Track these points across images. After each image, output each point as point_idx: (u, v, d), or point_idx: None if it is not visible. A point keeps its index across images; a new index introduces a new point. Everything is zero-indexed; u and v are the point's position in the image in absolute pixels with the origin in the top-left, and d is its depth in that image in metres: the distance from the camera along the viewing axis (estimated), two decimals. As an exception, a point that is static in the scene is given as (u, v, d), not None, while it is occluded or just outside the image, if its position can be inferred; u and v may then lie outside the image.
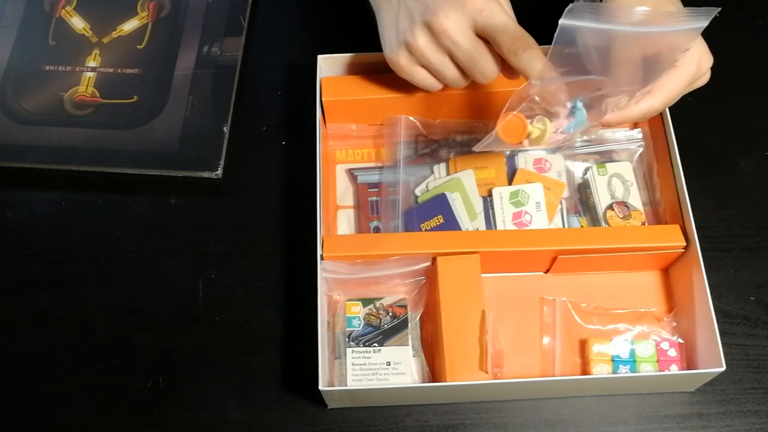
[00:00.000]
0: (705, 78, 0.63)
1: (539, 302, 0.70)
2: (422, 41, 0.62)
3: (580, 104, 0.59)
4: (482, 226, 0.71)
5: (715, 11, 0.55)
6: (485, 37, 0.61)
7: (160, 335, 0.70)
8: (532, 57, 0.59)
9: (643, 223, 0.71)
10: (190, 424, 0.67)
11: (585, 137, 0.74)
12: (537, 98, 0.59)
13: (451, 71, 0.64)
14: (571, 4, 0.55)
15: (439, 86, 0.66)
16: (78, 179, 0.76)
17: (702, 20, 0.56)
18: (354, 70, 0.73)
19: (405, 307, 0.68)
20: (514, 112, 0.59)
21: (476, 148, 0.62)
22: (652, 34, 0.57)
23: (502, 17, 0.60)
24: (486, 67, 0.62)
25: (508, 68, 0.62)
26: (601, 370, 0.66)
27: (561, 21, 0.54)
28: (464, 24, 0.61)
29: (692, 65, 0.61)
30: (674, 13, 0.58)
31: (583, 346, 0.68)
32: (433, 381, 0.66)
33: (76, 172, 0.76)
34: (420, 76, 0.65)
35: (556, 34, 0.55)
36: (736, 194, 0.76)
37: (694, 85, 0.63)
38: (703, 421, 0.67)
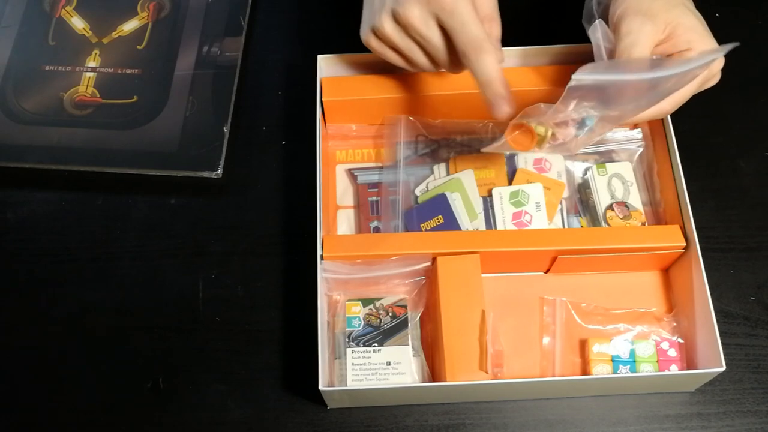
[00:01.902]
0: (716, 79, 0.63)
1: (539, 302, 0.70)
2: (388, 28, 0.62)
3: (590, 121, 0.60)
4: (482, 226, 0.71)
5: (728, 48, 0.56)
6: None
7: (160, 335, 0.70)
8: (483, 63, 0.59)
9: (643, 224, 0.71)
10: (190, 424, 0.67)
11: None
12: (549, 120, 0.59)
13: (418, 57, 0.64)
14: (583, 66, 0.56)
15: (412, 69, 0.66)
16: (78, 179, 0.76)
17: (714, 54, 0.56)
18: (354, 70, 0.73)
19: (405, 307, 0.68)
20: (524, 122, 0.59)
21: (484, 149, 0.62)
22: (666, 76, 0.57)
23: (463, 17, 0.59)
24: (451, 60, 0.62)
25: None
26: (601, 370, 0.66)
27: (574, 76, 0.54)
28: (429, 17, 0.61)
29: (703, 69, 0.61)
30: (688, 58, 0.59)
31: (583, 346, 0.68)
32: (433, 381, 0.66)
33: (76, 172, 0.76)
34: (391, 57, 0.65)
35: (568, 87, 0.55)
36: (736, 194, 0.76)
37: (704, 86, 0.63)
38: (703, 421, 0.67)
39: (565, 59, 0.72)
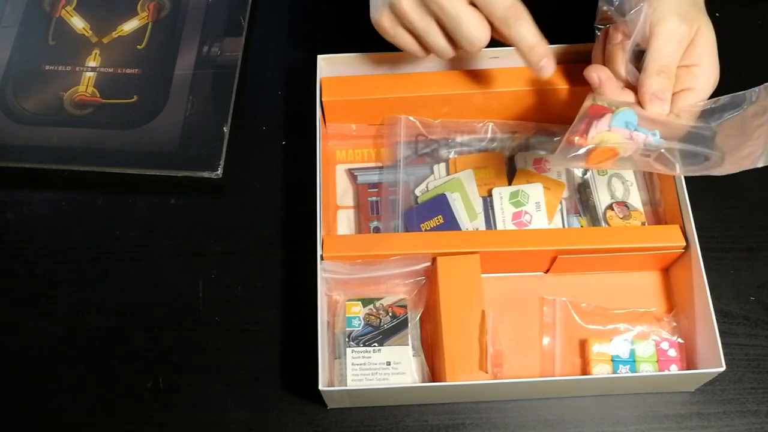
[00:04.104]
0: None
1: (539, 302, 0.70)
2: (407, 3, 0.61)
3: (656, 140, 0.60)
4: (482, 226, 0.71)
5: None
6: (477, 5, 0.61)
7: (160, 335, 0.70)
8: (524, 28, 0.60)
9: (643, 223, 0.71)
10: (190, 424, 0.67)
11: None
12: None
13: (435, 37, 0.62)
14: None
15: (424, 54, 0.65)
16: (78, 179, 0.76)
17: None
18: (354, 70, 0.73)
19: (405, 307, 0.68)
20: (610, 146, 0.59)
21: (554, 159, 0.62)
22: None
23: None
24: (473, 33, 0.60)
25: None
26: (601, 370, 0.66)
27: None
28: None
29: (710, 89, 0.62)
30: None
31: (583, 346, 0.68)
32: (433, 381, 0.66)
33: (76, 172, 0.76)
34: (404, 40, 0.64)
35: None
36: (736, 194, 0.75)
37: None
38: (703, 421, 0.67)
39: (569, 59, 0.72)
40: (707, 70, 0.61)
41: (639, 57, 0.62)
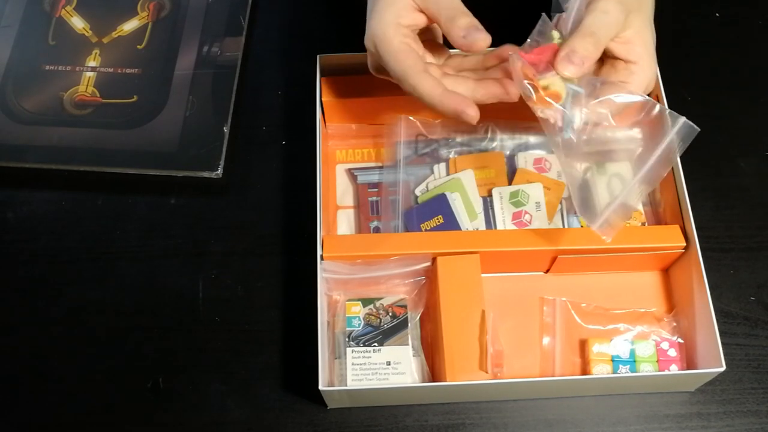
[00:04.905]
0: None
1: (539, 302, 0.70)
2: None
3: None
4: (482, 226, 0.71)
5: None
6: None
7: (160, 335, 0.70)
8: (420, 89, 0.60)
9: (643, 224, 0.71)
10: (190, 424, 0.67)
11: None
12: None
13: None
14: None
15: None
16: (78, 179, 0.76)
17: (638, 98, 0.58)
18: (354, 70, 0.73)
19: (405, 307, 0.68)
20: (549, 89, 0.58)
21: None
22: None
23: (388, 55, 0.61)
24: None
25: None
26: (601, 370, 0.66)
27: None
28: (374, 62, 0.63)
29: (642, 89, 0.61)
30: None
31: (583, 346, 0.68)
32: (433, 381, 0.66)
33: (76, 172, 0.76)
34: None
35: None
36: (736, 194, 0.76)
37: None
38: (703, 421, 0.67)
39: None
40: (644, 68, 0.60)
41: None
